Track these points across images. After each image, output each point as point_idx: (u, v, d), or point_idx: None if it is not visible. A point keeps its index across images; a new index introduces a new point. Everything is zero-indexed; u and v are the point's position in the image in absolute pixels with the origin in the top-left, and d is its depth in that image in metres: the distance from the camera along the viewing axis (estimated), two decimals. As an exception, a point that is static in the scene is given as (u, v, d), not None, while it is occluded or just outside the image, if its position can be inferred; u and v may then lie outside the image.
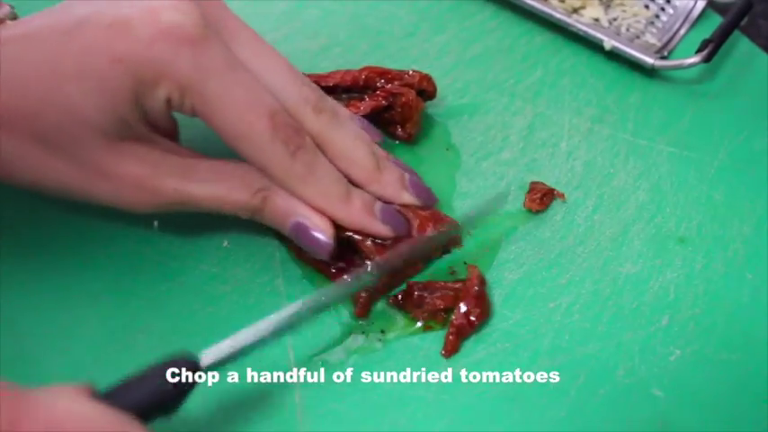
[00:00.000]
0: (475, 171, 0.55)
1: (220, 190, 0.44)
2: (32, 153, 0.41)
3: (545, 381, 0.45)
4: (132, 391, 0.36)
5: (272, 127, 0.43)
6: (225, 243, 0.49)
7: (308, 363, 0.45)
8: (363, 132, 0.49)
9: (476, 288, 0.46)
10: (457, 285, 0.47)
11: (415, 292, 0.47)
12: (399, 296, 0.47)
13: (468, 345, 0.46)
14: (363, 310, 0.47)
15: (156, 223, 0.49)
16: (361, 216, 0.46)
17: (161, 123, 0.44)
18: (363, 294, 0.46)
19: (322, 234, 0.45)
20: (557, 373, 0.45)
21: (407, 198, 0.49)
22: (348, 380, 0.44)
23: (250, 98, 0.43)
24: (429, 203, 0.50)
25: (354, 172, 0.48)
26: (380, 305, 0.47)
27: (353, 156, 0.47)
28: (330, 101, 0.48)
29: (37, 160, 0.41)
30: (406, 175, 0.49)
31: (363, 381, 0.44)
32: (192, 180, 0.43)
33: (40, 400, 0.33)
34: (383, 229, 0.46)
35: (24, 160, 0.41)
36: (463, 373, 0.45)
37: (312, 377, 0.44)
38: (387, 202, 0.48)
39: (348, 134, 0.48)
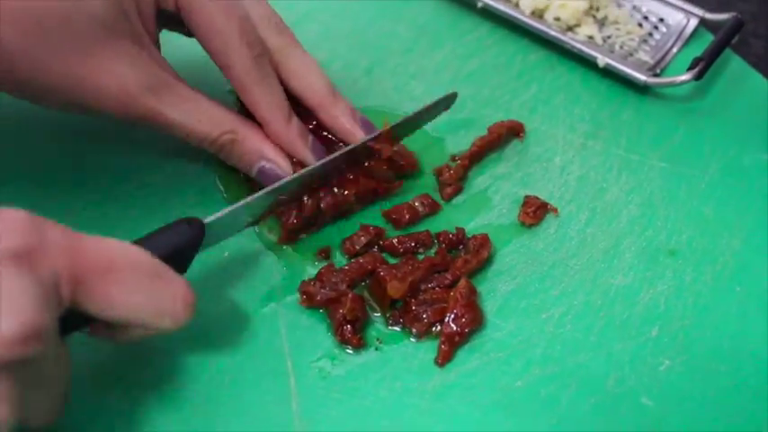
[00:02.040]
0: (470, 184, 0.56)
1: (191, 119, 0.47)
2: (35, 47, 0.42)
3: (537, 389, 0.46)
4: (149, 244, 0.41)
5: (240, 28, 0.48)
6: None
7: (306, 370, 0.46)
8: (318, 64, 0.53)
9: (464, 296, 0.48)
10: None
11: (413, 308, 0.48)
12: (398, 313, 0.49)
13: (462, 354, 0.47)
14: (289, 235, 0.51)
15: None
16: (295, 139, 0.50)
17: (148, 27, 0.47)
18: (294, 219, 0.50)
19: (285, 174, 0.50)
20: (548, 382, 0.46)
21: (358, 132, 0.52)
22: (345, 387, 0.45)
23: (227, 1, 0.48)
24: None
25: (309, 95, 0.52)
26: (379, 322, 0.49)
27: (309, 78, 0.52)
28: (291, 31, 0.53)
29: (38, 54, 0.43)
30: (358, 112, 0.53)
31: (360, 388, 0.45)
32: (167, 101, 0.47)
33: (86, 237, 0.38)
34: (310, 158, 0.51)
35: (25, 54, 0.42)
36: (457, 381, 0.46)
37: (309, 385, 0.45)
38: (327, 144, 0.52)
39: (305, 59, 0.52)
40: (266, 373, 0.46)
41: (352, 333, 0.47)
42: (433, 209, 0.54)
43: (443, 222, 0.54)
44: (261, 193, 0.48)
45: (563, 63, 0.66)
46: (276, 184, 0.49)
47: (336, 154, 0.51)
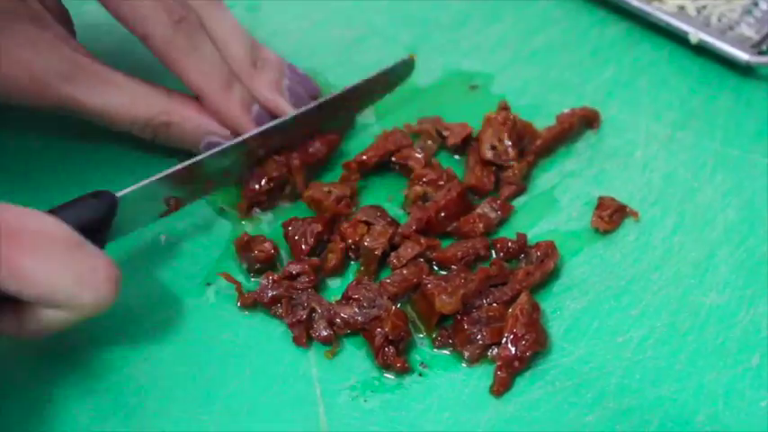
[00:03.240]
0: (534, 184, 0.59)
1: (113, 104, 0.52)
2: None
3: (611, 426, 0.48)
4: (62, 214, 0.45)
5: None
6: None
7: (337, 398, 0.49)
8: (242, 28, 0.57)
9: (525, 314, 0.50)
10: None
11: (465, 327, 0.51)
12: (448, 332, 0.51)
13: (522, 382, 0.49)
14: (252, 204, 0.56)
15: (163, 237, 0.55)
16: (237, 111, 0.55)
17: (48, 3, 0.51)
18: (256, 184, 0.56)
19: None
20: (625, 417, 0.48)
21: (282, 104, 0.57)
22: (383, 419, 0.48)
23: None
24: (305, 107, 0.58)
25: (227, 64, 0.56)
26: (426, 344, 0.51)
27: (228, 46, 0.56)
28: None
29: None
30: (285, 81, 0.57)
31: (401, 420, 0.48)
32: (84, 86, 0.51)
33: None
34: (252, 128, 0.55)
35: None
36: (516, 414, 0.48)
37: (341, 416, 0.48)
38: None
39: (226, 21, 0.56)
40: (290, 400, 0.48)
41: (395, 355, 0.50)
42: (507, 212, 0.57)
43: (502, 227, 0.57)
44: (184, 164, 0.53)
45: (647, 39, 0.68)
46: (201, 157, 0.53)
47: (280, 120, 0.56)
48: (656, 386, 0.50)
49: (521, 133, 0.59)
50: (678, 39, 0.67)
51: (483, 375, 0.50)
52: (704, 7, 0.69)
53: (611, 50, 0.67)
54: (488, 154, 0.58)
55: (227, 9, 0.56)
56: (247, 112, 0.56)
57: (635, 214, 0.57)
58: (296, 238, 0.54)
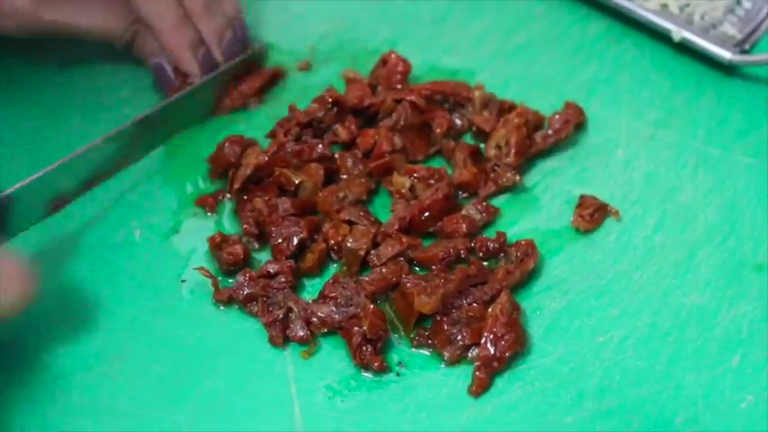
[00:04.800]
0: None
1: (96, 18, 0.58)
2: None
3: (590, 427, 0.48)
4: None
5: None
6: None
7: (313, 397, 0.48)
8: None
9: (505, 313, 0.50)
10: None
11: (445, 327, 0.50)
12: (427, 332, 0.51)
13: (501, 382, 0.49)
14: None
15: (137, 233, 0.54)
16: (185, 51, 0.59)
17: None
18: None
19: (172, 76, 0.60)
20: (604, 418, 0.48)
21: (217, 55, 0.60)
22: (360, 419, 0.47)
23: None
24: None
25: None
26: (403, 343, 0.51)
27: None
28: None
29: None
30: (229, 33, 0.61)
31: (378, 420, 0.48)
32: (67, 9, 0.57)
33: None
34: (195, 70, 0.60)
35: None
36: (494, 415, 0.48)
37: (317, 415, 0.48)
38: None
39: None
40: (266, 398, 0.48)
41: (372, 354, 0.49)
42: (491, 215, 0.56)
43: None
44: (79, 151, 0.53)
45: (629, 36, 0.68)
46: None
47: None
48: (636, 387, 0.49)
49: (528, 142, 0.59)
50: (660, 37, 0.67)
51: (461, 376, 0.49)
52: (687, 5, 0.68)
53: (593, 48, 0.67)
54: (492, 152, 0.58)
55: None
56: (194, 54, 0.59)
57: (616, 213, 0.57)
58: (279, 241, 0.54)
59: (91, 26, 0.58)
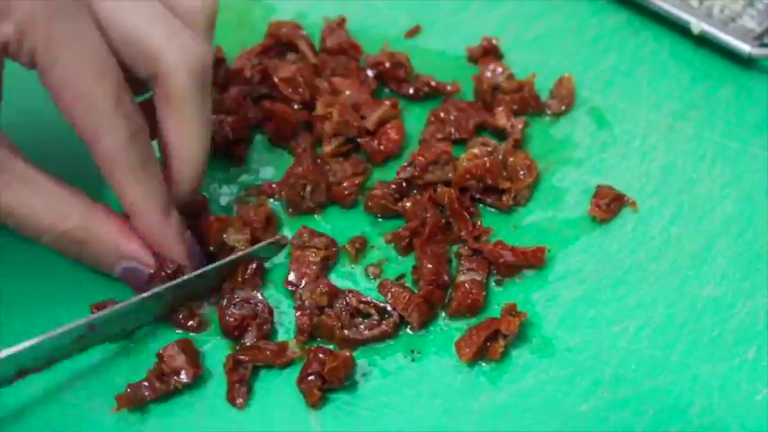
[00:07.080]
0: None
1: (25, 207, 0.46)
2: None
3: (605, 416, 0.48)
4: None
5: (116, 94, 0.45)
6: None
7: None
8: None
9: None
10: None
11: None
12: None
13: (516, 370, 0.49)
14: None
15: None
16: (173, 238, 0.50)
17: None
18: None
19: (148, 271, 0.50)
20: (619, 407, 0.48)
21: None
22: (374, 403, 0.48)
23: (101, 53, 0.44)
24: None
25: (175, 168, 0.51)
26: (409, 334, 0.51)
27: (181, 153, 0.50)
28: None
29: None
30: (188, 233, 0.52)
31: (392, 405, 0.48)
32: (3, 182, 0.45)
33: None
34: (185, 261, 0.50)
35: None
36: (509, 401, 0.48)
37: (332, 398, 0.48)
38: None
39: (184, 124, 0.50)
40: (279, 383, 0.49)
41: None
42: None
43: (498, 217, 0.57)
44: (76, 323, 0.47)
45: (648, 28, 0.68)
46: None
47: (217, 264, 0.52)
48: (651, 377, 0.50)
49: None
50: (680, 29, 0.67)
51: (475, 363, 0.50)
52: (707, -2, 0.69)
53: (612, 39, 0.67)
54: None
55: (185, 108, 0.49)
56: (183, 242, 0.51)
57: (633, 204, 0.57)
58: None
59: (30, 217, 0.47)
